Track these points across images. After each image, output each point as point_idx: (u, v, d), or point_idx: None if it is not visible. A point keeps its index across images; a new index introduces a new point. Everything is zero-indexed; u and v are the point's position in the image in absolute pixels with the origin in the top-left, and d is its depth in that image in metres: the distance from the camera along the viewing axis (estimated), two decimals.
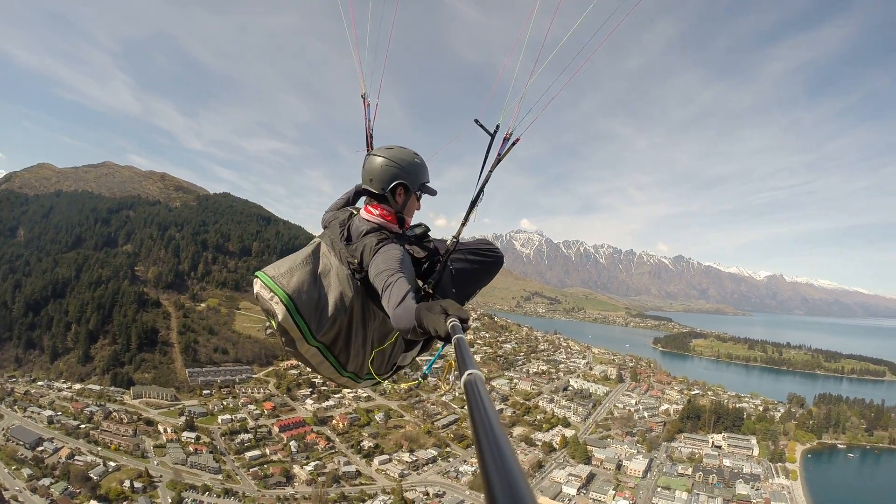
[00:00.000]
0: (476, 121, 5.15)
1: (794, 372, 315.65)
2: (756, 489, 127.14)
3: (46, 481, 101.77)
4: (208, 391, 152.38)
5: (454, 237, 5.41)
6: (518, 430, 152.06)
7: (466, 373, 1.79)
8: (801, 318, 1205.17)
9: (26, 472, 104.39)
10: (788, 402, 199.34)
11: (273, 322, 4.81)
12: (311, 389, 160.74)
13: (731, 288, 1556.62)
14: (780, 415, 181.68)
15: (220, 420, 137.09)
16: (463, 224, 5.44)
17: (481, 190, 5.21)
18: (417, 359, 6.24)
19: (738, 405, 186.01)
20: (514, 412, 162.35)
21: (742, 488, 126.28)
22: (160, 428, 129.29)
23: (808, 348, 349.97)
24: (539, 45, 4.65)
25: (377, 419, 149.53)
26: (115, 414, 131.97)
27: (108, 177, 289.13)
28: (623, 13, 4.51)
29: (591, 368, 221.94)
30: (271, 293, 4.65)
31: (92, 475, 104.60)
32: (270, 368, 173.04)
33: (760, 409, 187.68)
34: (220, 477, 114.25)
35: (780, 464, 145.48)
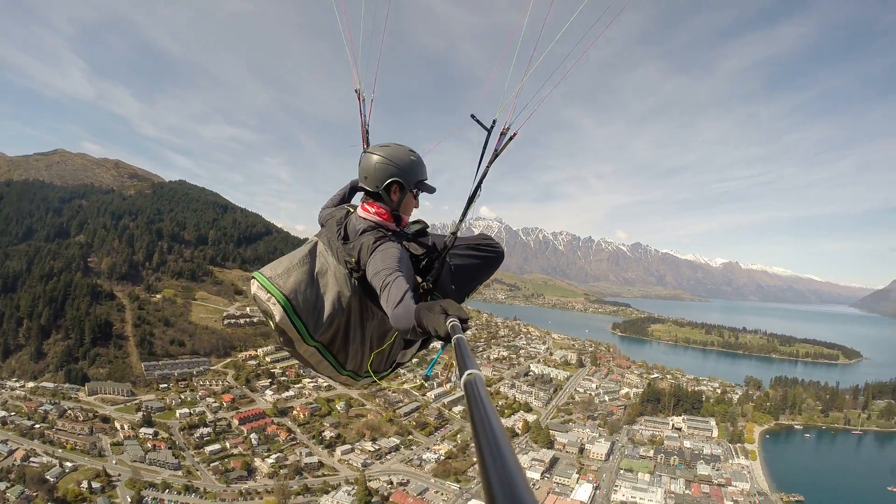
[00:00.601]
0: (472, 116, 5.12)
1: (750, 356, 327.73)
2: (717, 469, 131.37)
3: (2, 485, 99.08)
4: (165, 385, 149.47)
5: (452, 233, 5.44)
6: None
7: (466, 373, 1.80)
8: (756, 304, 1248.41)
9: None
10: (746, 385, 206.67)
11: (271, 322, 4.82)
12: (270, 380, 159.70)
13: (687, 274, 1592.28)
14: (737, 397, 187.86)
15: (178, 414, 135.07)
16: (461, 220, 5.50)
17: (479, 185, 5.19)
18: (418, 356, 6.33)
19: (696, 388, 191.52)
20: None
21: (703, 469, 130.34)
22: (117, 425, 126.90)
23: (763, 333, 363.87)
24: (534, 39, 4.61)
25: (338, 409, 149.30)
26: (70, 412, 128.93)
27: (60, 165, 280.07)
28: (618, 8, 4.61)
29: (551, 354, 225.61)
30: (268, 294, 4.68)
31: (48, 477, 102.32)
32: (228, 360, 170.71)
33: (718, 391, 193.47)
34: (179, 473, 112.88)
35: (739, 444, 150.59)
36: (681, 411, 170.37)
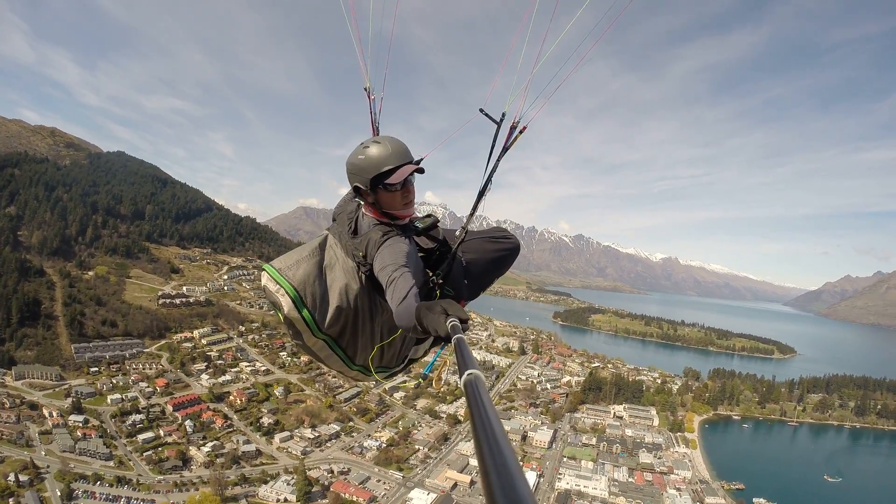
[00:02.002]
0: (481, 110, 5.11)
1: (688, 348, 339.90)
2: (658, 458, 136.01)
3: None
4: (96, 368, 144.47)
5: (463, 228, 5.54)
6: (422, 403, 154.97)
7: (466, 373, 1.79)
8: (694, 299, 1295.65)
9: None
10: (685, 376, 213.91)
11: (280, 314, 4.94)
12: (206, 364, 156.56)
13: (628, 268, 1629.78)
14: (677, 387, 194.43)
15: (109, 400, 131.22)
16: (471, 215, 5.54)
17: (489, 180, 5.23)
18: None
19: (637, 378, 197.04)
20: (419, 385, 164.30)
21: (645, 457, 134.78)
22: (45, 412, 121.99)
23: (701, 326, 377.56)
24: (544, 29, 4.64)
25: (277, 394, 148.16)
26: None
27: None
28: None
29: (493, 340, 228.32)
30: (277, 285, 4.79)
31: None
32: (163, 342, 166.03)
33: (658, 381, 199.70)
34: (111, 464, 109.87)
35: (679, 433, 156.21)
36: (622, 400, 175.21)
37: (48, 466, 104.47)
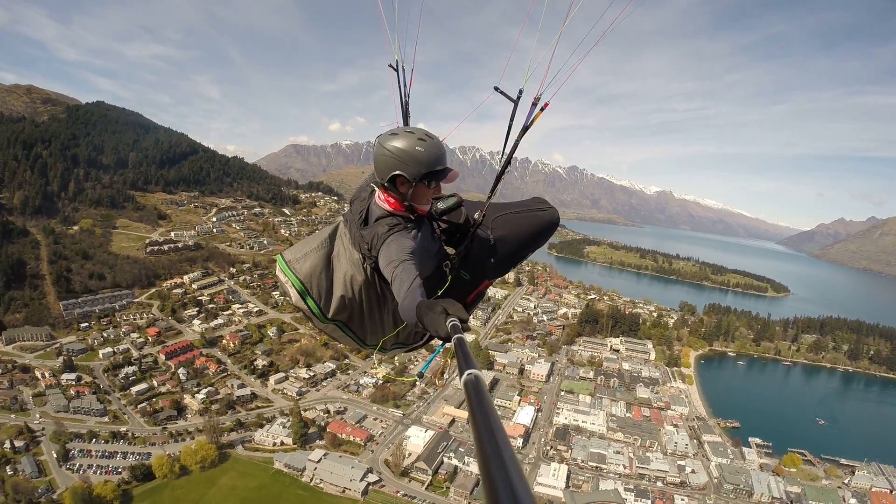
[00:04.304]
0: (496, 88, 4.95)
1: (682, 282, 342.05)
2: (655, 393, 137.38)
3: None
4: (86, 324, 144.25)
5: (482, 212, 5.39)
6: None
7: (466, 373, 1.79)
8: (687, 233, 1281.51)
9: None
10: (681, 310, 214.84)
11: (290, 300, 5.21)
12: (197, 309, 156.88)
13: (622, 200, 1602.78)
14: (673, 321, 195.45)
15: (101, 355, 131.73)
16: (490, 195, 5.44)
17: (508, 161, 5.15)
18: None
19: (633, 311, 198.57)
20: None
21: (642, 392, 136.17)
22: (37, 373, 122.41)
23: (696, 261, 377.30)
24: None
25: (270, 335, 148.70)
26: None
27: None
28: None
29: None
30: (286, 277, 5.07)
31: None
32: (153, 290, 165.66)
33: (655, 315, 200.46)
34: (106, 419, 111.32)
35: (676, 368, 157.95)
36: (618, 333, 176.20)
37: (43, 429, 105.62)
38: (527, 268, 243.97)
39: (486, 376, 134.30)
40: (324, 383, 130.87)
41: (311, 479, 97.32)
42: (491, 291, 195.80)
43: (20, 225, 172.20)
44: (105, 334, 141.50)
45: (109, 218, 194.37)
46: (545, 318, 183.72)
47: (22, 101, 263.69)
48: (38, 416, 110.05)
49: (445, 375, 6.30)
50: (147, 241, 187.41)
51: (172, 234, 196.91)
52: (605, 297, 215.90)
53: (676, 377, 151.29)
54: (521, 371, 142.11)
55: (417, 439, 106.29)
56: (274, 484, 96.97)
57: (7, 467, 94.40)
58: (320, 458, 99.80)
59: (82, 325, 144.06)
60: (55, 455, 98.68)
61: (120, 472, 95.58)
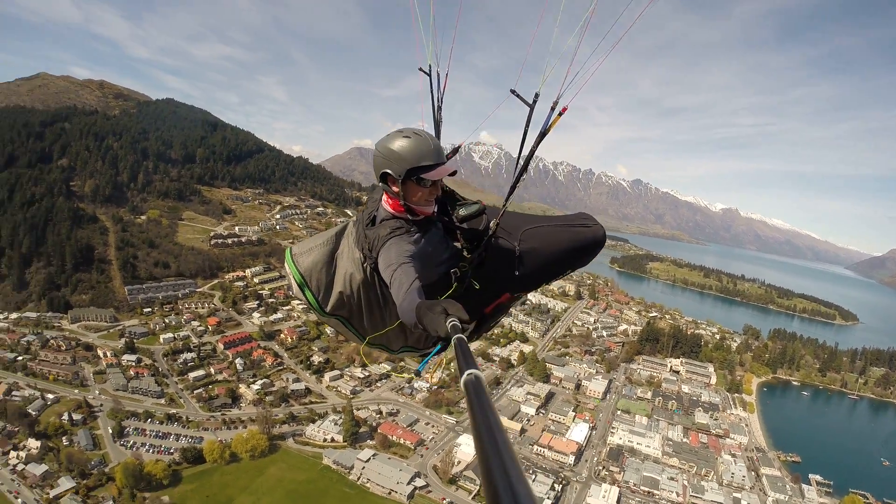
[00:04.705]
0: (512, 91, 4.79)
1: (747, 304, 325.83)
2: (714, 419, 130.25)
3: None
4: (149, 309, 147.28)
5: (496, 220, 5.14)
6: (474, 345, 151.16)
7: (466, 373, 1.78)
8: (753, 253, 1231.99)
9: None
10: (745, 334, 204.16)
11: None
12: (257, 302, 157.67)
13: (686, 216, 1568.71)
14: (736, 345, 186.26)
15: (161, 339, 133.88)
16: (506, 202, 5.26)
17: (524, 168, 5.01)
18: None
19: (695, 331, 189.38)
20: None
21: (701, 417, 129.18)
22: (100, 352, 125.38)
23: (761, 283, 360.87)
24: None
25: (328, 332, 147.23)
26: (52, 342, 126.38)
27: (41, 89, 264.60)
28: None
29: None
30: (289, 269, 5.18)
31: (30, 410, 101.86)
32: (215, 281, 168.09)
33: (717, 337, 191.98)
34: (162, 401, 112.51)
35: (737, 395, 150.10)
36: (679, 354, 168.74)
37: (101, 405, 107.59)
38: (588, 281, 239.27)
39: (542, 389, 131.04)
40: (378, 384, 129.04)
41: (359, 478, 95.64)
42: (550, 303, 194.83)
43: (90, 212, 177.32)
44: (167, 320, 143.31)
45: (176, 210, 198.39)
46: (605, 333, 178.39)
47: (95, 95, 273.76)
48: (97, 392, 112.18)
49: (438, 373, 5.61)
50: (212, 233, 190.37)
51: (236, 228, 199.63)
52: (667, 316, 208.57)
53: (737, 404, 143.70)
54: (578, 386, 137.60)
55: (468, 448, 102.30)
56: (321, 479, 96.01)
57: (64, 438, 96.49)
58: (369, 458, 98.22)
59: (145, 309, 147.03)
60: (111, 431, 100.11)
61: (172, 453, 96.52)
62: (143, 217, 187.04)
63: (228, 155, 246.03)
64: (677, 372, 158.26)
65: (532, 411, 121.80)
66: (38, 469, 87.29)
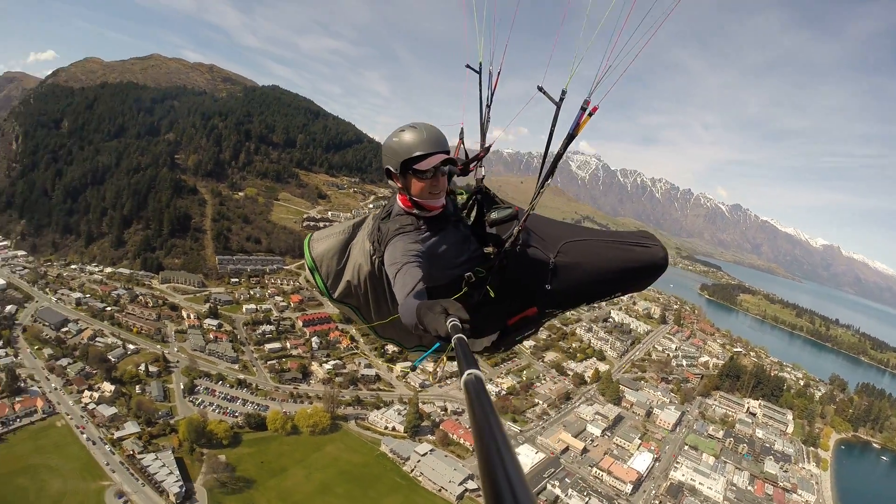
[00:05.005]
0: (539, 88, 4.53)
1: (837, 351, 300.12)
2: (784, 471, 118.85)
3: (65, 361, 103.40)
4: (236, 280, 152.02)
5: (520, 226, 4.84)
6: (550, 356, 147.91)
7: (466, 373, 1.77)
8: (852, 297, 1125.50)
9: (47, 352, 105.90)
10: (830, 384, 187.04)
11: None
12: None
13: (785, 249, 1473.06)
14: (819, 395, 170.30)
15: (244, 310, 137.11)
16: (531, 206, 4.81)
17: (552, 171, 4.62)
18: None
19: (778, 374, 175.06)
20: (549, 336, 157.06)
21: (771, 466, 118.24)
22: (184, 313, 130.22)
23: (856, 330, 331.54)
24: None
25: None
26: (141, 298, 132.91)
27: (154, 68, 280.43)
28: None
29: (634, 303, 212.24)
30: (305, 254, 5.27)
31: (110, 357, 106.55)
32: (303, 261, 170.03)
33: (801, 383, 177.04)
34: (235, 367, 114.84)
35: (812, 448, 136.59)
36: (759, 395, 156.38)
37: (177, 362, 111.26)
38: (675, 306, 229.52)
39: (611, 411, 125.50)
40: (448, 381, 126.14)
41: (412, 470, 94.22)
42: (633, 324, 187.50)
43: (191, 184, 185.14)
44: (251, 292, 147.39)
45: (273, 190, 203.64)
46: (684, 362, 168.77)
47: (204, 77, 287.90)
48: (175, 349, 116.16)
49: (439, 371, 5.19)
50: (305, 216, 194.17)
51: (329, 213, 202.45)
52: (752, 353, 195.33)
53: (811, 458, 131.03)
54: (649, 414, 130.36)
55: (526, 458, 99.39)
56: (375, 464, 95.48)
57: (137, 387, 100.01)
58: (426, 453, 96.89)
59: (232, 280, 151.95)
60: (182, 386, 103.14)
61: (236, 416, 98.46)
62: (240, 193, 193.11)
63: (328, 143, 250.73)
64: (754, 414, 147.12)
65: (598, 432, 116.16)
66: (107, 411, 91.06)
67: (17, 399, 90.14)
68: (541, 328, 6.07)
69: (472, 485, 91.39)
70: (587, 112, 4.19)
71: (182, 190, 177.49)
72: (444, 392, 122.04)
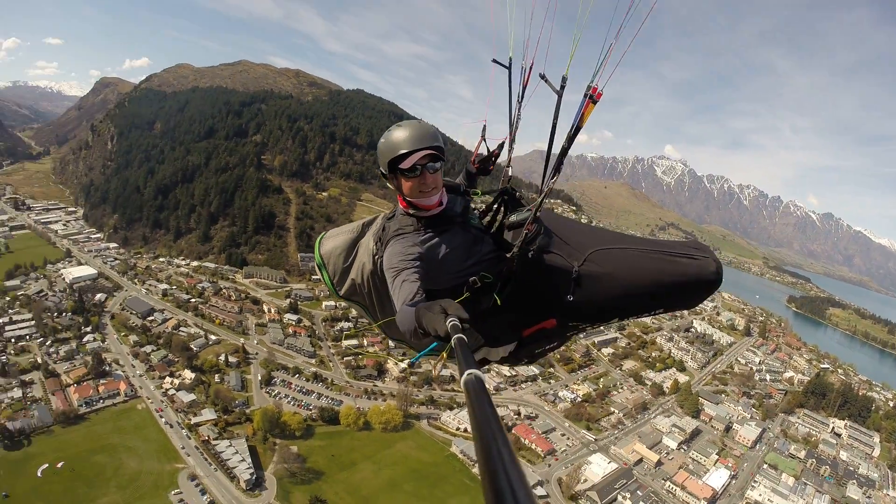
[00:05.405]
0: (541, 75, 4.40)
1: None
2: (868, 496, 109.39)
3: (149, 348, 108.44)
4: (317, 277, 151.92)
5: (527, 227, 4.51)
6: (629, 364, 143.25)
7: (466, 373, 1.76)
8: None
9: (133, 338, 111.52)
10: None
11: None
12: None
13: (878, 261, 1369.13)
14: None
15: (324, 306, 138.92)
16: (539, 203, 4.55)
17: (557, 168, 4.48)
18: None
19: (867, 393, 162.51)
20: (629, 344, 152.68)
21: (853, 491, 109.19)
22: (265, 308, 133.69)
23: None
24: None
25: None
26: (224, 291, 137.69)
27: (242, 73, 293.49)
28: None
29: (718, 313, 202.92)
30: (314, 249, 5.29)
31: (192, 346, 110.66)
32: None
33: (891, 404, 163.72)
34: (313, 361, 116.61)
35: None
36: (845, 415, 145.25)
37: (256, 354, 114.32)
38: (760, 317, 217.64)
39: (689, 424, 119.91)
40: (523, 385, 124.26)
41: None
42: (716, 335, 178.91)
43: (276, 183, 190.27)
44: None
45: (356, 190, 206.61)
46: (768, 377, 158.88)
47: (290, 82, 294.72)
48: (255, 342, 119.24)
49: (438, 368, 4.93)
50: None
51: None
52: (839, 370, 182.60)
53: None
54: (728, 429, 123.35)
55: (598, 468, 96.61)
56: (445, 464, 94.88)
57: (216, 376, 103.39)
58: None
59: (314, 276, 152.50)
60: (259, 378, 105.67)
61: (310, 409, 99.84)
62: (324, 193, 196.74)
63: None
64: (839, 435, 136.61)
65: (674, 445, 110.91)
66: (186, 397, 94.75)
67: (101, 381, 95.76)
68: (565, 342, 5.66)
69: (540, 491, 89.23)
70: (590, 98, 3.84)
71: (267, 189, 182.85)
72: (519, 396, 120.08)
